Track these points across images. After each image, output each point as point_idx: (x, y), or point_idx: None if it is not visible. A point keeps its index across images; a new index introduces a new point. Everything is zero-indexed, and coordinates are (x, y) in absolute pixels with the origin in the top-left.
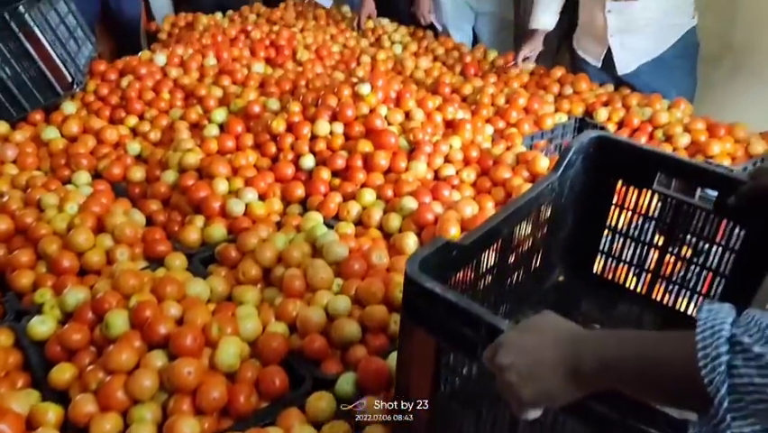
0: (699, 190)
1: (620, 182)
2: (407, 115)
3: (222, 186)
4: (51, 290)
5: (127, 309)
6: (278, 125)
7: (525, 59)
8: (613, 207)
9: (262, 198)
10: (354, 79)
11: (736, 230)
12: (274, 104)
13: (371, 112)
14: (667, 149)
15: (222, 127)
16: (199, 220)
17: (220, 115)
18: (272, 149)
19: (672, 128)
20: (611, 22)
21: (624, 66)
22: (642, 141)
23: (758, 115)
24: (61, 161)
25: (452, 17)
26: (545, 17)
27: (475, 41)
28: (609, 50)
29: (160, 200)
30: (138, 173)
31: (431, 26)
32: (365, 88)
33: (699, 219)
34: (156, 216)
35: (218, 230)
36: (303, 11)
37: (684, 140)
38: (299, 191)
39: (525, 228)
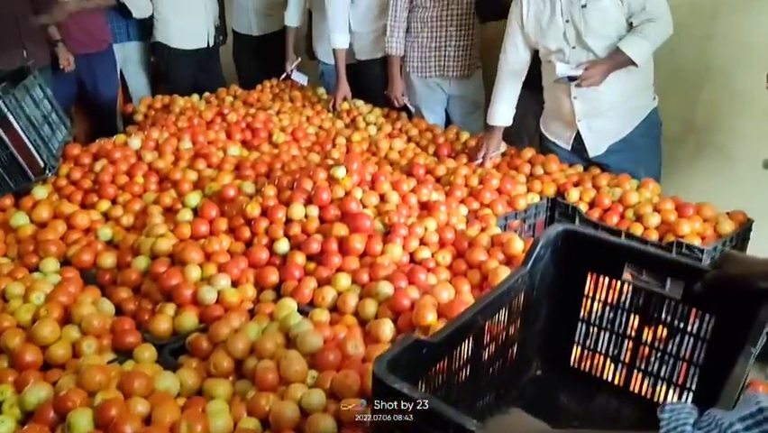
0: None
1: (590, 273)
2: (382, 198)
3: (194, 272)
4: (12, 386)
5: (92, 408)
6: (253, 209)
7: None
8: (584, 298)
9: (236, 284)
10: (330, 161)
11: (706, 319)
12: (249, 187)
13: (347, 195)
14: (638, 229)
15: (196, 211)
16: (170, 309)
17: (194, 198)
18: (246, 233)
19: (642, 208)
20: (578, 107)
21: (594, 148)
22: (614, 221)
23: (723, 192)
24: (29, 248)
25: (425, 99)
26: (502, 114)
27: (448, 121)
28: (578, 132)
29: (130, 288)
30: (109, 259)
31: (405, 108)
32: (340, 171)
33: (669, 308)
34: (126, 305)
35: (189, 319)
36: (279, 93)
37: (654, 220)
38: (273, 277)
39: (497, 322)
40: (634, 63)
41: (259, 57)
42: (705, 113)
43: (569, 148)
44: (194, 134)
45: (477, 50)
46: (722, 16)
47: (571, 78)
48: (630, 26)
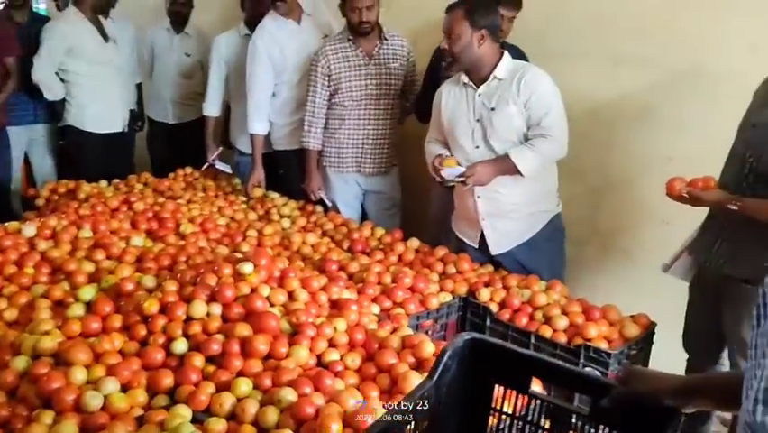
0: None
1: (497, 385)
2: (291, 296)
3: (79, 375)
4: None
5: None
6: (151, 306)
7: None
8: (492, 411)
9: (126, 388)
10: (238, 255)
11: None
12: (149, 281)
13: (252, 292)
14: (547, 331)
15: (90, 306)
16: (48, 416)
17: (88, 292)
18: (142, 331)
19: (551, 310)
20: (481, 207)
21: (496, 247)
22: (523, 322)
23: (628, 293)
24: None
25: (341, 194)
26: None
27: (364, 216)
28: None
29: (5, 391)
30: None
31: (321, 202)
32: (247, 267)
33: (577, 423)
34: None
35: (69, 428)
36: (193, 182)
37: (563, 322)
38: (168, 380)
39: None
40: (520, 172)
41: (174, 145)
42: (608, 217)
43: (476, 246)
44: (95, 223)
45: (394, 148)
46: (620, 128)
47: (458, 175)
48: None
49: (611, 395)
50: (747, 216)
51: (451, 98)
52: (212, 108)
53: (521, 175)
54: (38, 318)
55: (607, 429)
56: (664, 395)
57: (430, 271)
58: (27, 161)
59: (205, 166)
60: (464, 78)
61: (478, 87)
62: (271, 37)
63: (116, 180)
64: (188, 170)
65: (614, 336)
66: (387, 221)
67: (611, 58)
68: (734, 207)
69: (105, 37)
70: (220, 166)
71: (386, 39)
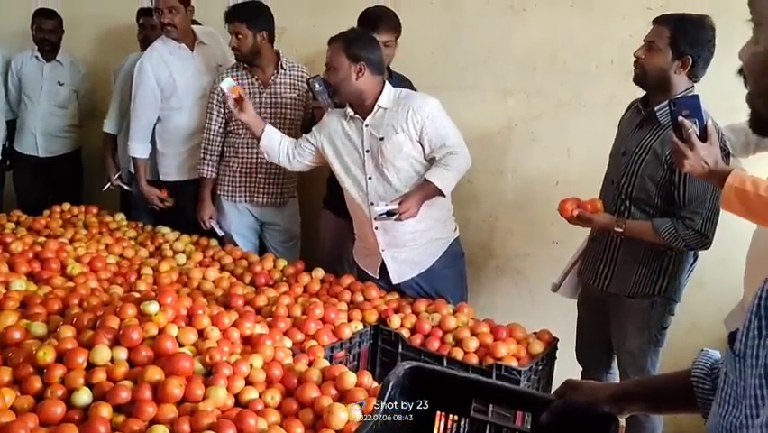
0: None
1: (438, 412)
2: (201, 334)
3: None
4: None
5: None
6: (46, 355)
7: None
8: None
9: None
10: (136, 294)
11: None
12: (39, 328)
13: (161, 333)
14: (458, 353)
15: None
16: None
17: None
18: (37, 384)
19: (461, 332)
20: (380, 238)
21: (397, 276)
22: (435, 346)
23: (523, 313)
24: None
25: (236, 224)
26: None
27: (263, 249)
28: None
29: None
30: None
31: (213, 233)
32: (153, 307)
33: None
34: None
35: None
36: (72, 219)
37: (473, 344)
38: None
39: None
40: (441, 193)
41: (44, 181)
42: (501, 240)
43: (377, 276)
44: None
45: (291, 180)
46: (510, 154)
47: (390, 214)
48: (431, 161)
49: (550, 409)
50: (628, 237)
51: (339, 132)
52: (111, 125)
53: (442, 195)
54: None
55: None
56: (601, 403)
57: (338, 300)
58: None
59: (107, 186)
60: (350, 112)
61: (365, 119)
62: (160, 58)
63: None
64: (66, 206)
65: (521, 353)
66: (286, 253)
67: (500, 89)
68: (619, 230)
69: None
70: (126, 188)
71: (283, 68)
